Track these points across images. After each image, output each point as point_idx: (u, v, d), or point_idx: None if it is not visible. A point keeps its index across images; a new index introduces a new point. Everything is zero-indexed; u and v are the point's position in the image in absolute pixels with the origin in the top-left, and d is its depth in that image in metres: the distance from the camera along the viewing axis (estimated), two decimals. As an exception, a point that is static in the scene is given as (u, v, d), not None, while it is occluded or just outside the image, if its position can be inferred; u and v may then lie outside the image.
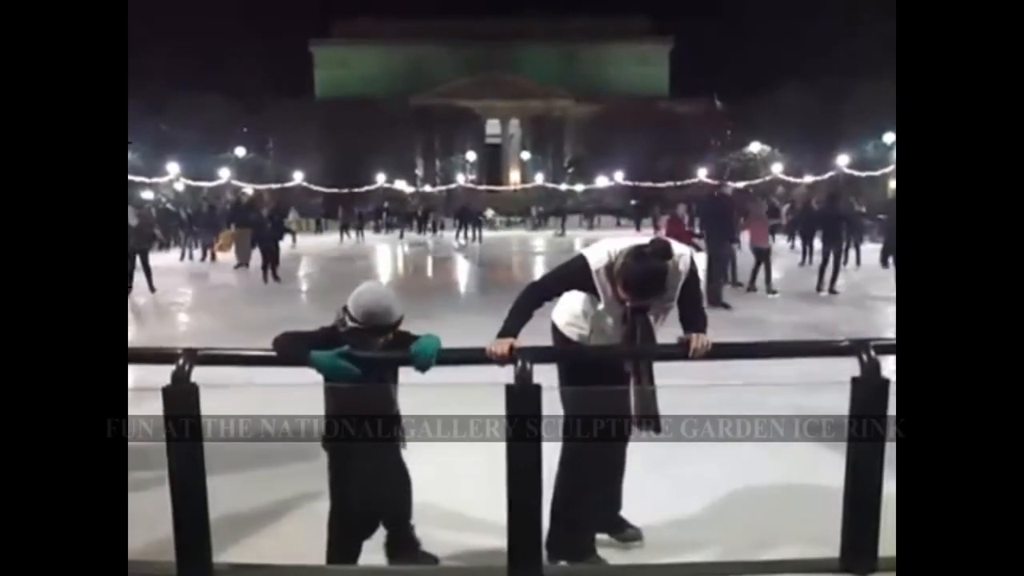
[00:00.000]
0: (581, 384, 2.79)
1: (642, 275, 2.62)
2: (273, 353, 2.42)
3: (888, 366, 2.24)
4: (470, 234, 27.48)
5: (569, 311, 2.95)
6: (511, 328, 2.60)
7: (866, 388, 2.28)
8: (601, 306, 2.79)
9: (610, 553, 3.03)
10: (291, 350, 2.41)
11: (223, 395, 2.63)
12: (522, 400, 2.25)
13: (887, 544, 2.26)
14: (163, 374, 2.27)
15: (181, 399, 2.24)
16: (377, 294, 2.57)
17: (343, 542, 2.68)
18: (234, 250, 16.70)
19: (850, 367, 2.32)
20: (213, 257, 19.13)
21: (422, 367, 2.40)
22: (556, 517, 2.90)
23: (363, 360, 2.41)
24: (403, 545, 2.80)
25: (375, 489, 2.67)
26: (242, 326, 9.08)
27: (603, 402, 2.81)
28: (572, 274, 2.82)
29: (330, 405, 2.57)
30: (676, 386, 2.80)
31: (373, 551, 2.75)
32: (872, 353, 2.30)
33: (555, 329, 3.00)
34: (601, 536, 3.11)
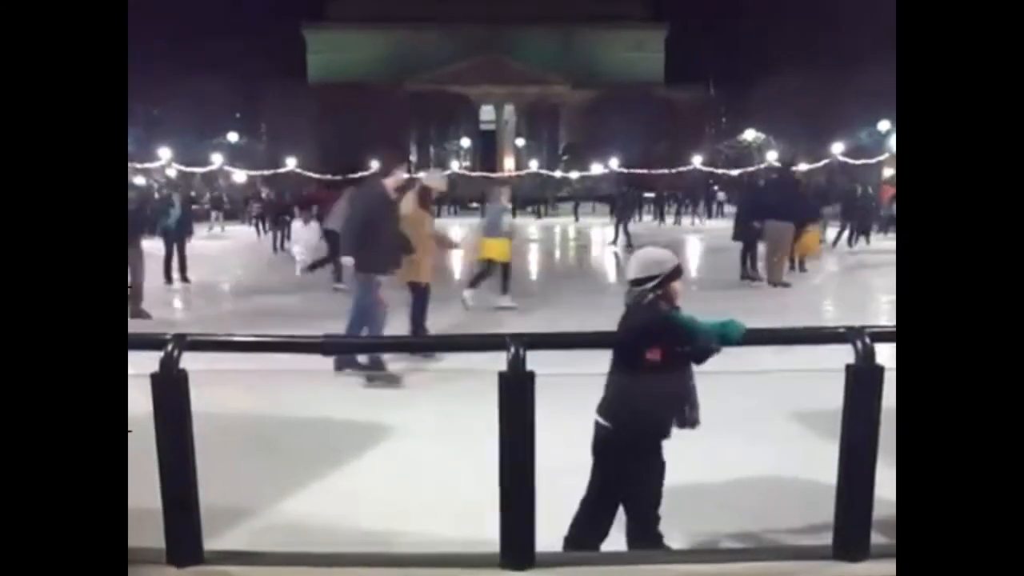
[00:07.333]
0: None
1: None
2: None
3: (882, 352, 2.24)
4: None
5: None
6: None
7: (861, 375, 2.27)
8: None
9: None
10: (684, 331, 2.41)
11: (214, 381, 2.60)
12: (515, 388, 2.23)
13: (880, 531, 2.27)
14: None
15: (170, 386, 2.22)
16: (652, 248, 2.71)
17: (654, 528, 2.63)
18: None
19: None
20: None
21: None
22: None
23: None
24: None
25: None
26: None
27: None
28: None
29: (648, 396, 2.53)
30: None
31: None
32: (867, 340, 2.29)
33: None
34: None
